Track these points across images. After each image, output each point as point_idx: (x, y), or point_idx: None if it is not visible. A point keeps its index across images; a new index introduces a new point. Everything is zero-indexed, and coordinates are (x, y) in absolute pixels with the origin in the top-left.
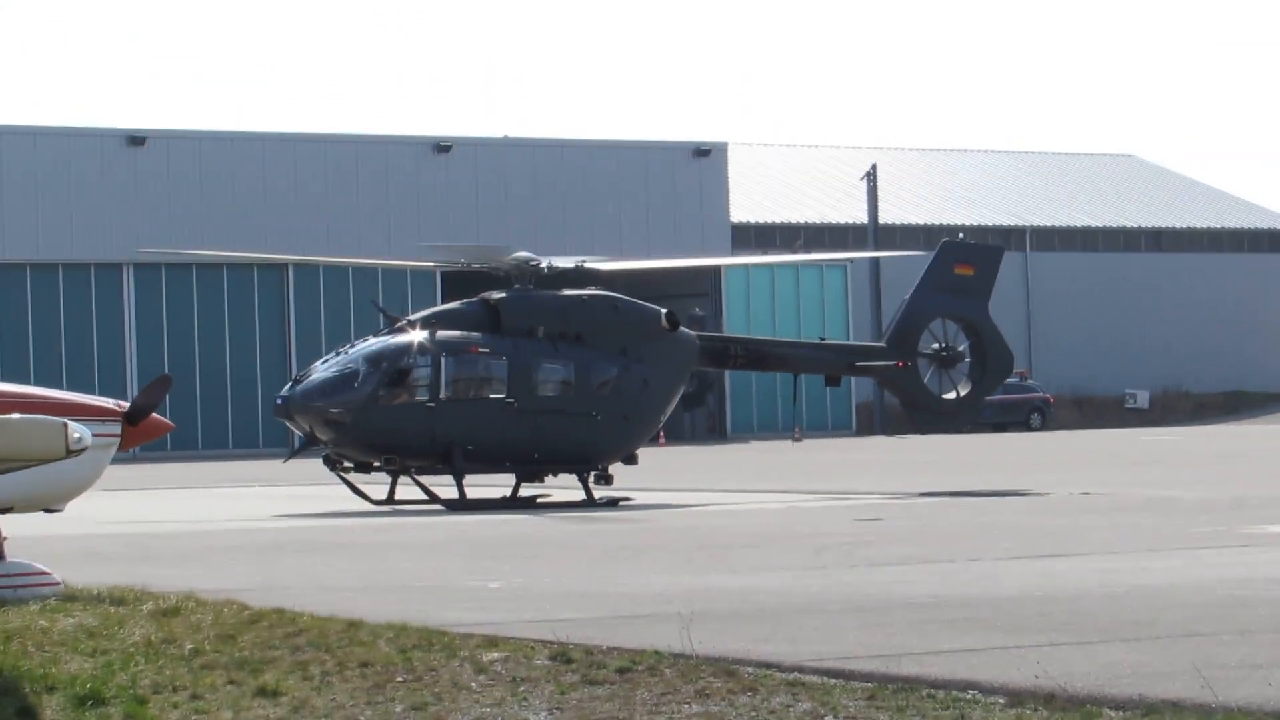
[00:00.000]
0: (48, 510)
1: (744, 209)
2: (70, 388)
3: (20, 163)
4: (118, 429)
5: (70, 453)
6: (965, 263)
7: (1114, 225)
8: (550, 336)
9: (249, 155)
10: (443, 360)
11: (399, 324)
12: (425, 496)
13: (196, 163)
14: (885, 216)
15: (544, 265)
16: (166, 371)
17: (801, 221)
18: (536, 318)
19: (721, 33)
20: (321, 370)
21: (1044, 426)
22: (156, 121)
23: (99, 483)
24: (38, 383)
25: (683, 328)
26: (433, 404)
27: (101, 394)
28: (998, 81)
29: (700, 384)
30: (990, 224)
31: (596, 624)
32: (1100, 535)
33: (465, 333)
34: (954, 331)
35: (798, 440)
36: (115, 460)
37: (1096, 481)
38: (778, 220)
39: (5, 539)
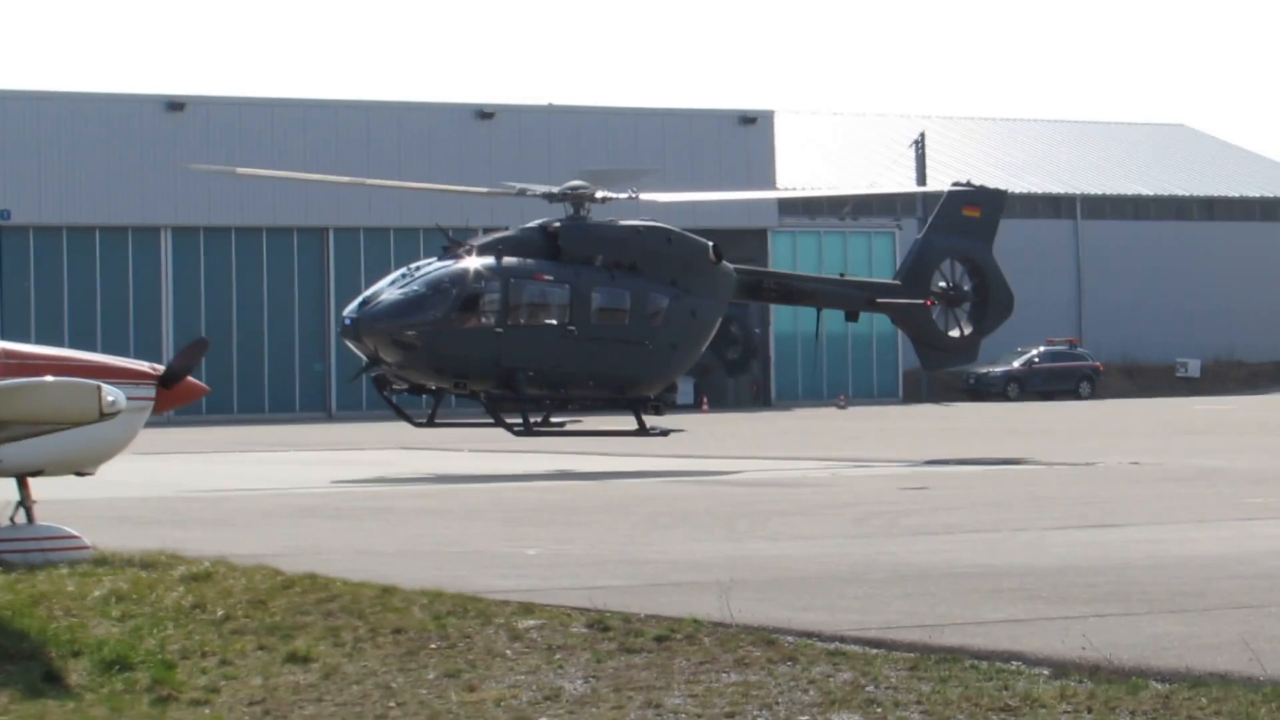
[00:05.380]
0: (80, 473)
1: (791, 178)
2: (106, 351)
3: (60, 128)
4: (152, 392)
5: (104, 416)
6: (972, 205)
7: (1165, 194)
8: (607, 265)
9: (289, 121)
10: (510, 286)
11: (463, 248)
12: (473, 421)
13: (236, 129)
14: (934, 185)
15: (598, 194)
16: (203, 335)
17: (849, 194)
18: (595, 246)
19: None
20: (391, 291)
21: (1093, 395)
22: (195, 87)
23: (132, 446)
24: (73, 346)
25: (724, 261)
26: (500, 329)
27: (137, 357)
28: (1047, 50)
29: (744, 350)
30: (1040, 192)
31: (634, 591)
32: (1148, 505)
33: (528, 259)
34: (960, 273)
35: (842, 407)
36: (149, 424)
37: (1145, 451)
38: (824, 189)
39: (36, 502)
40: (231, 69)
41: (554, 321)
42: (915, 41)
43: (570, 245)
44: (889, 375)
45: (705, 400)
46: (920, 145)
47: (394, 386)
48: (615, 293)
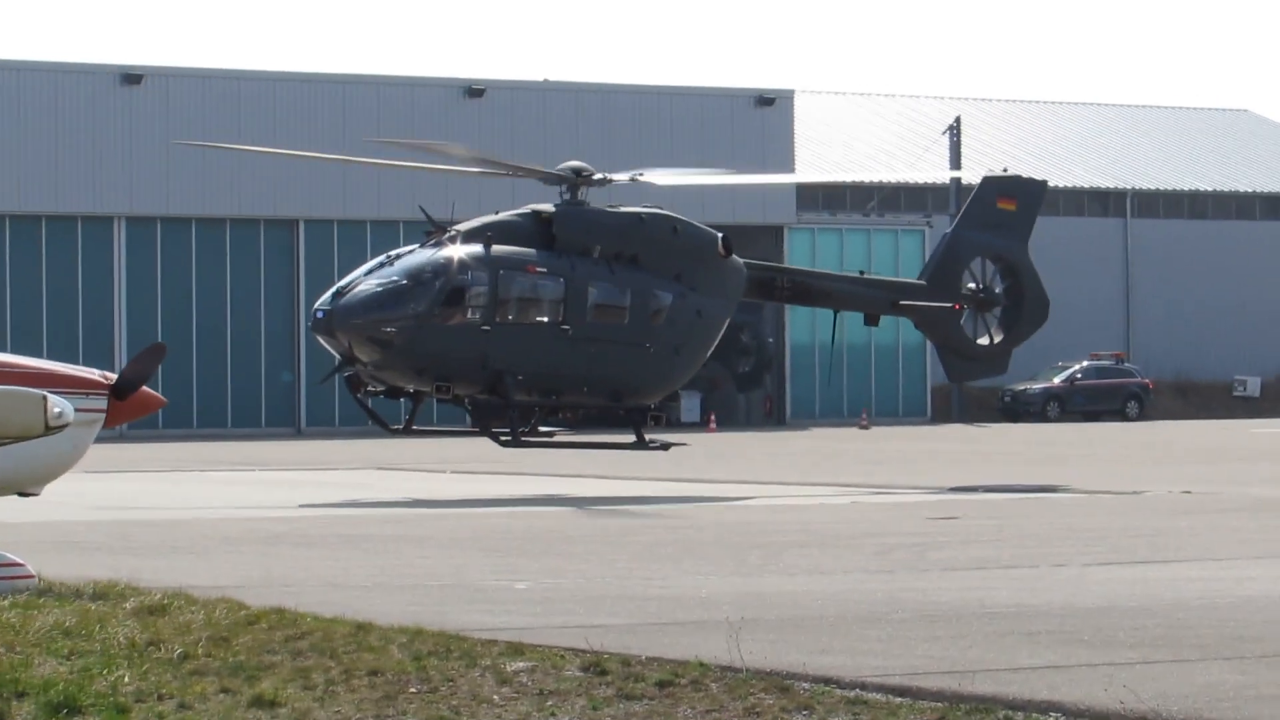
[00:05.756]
0: (23, 494)
1: (811, 165)
2: (52, 356)
3: (0, 102)
4: (104, 403)
5: (50, 429)
6: (1008, 197)
7: (1225, 189)
8: (606, 257)
9: (257, 97)
10: (500, 278)
11: (448, 234)
12: (455, 429)
13: (199, 104)
14: (970, 176)
15: (597, 176)
16: (160, 339)
17: (875, 180)
18: (593, 235)
19: None
20: (368, 281)
21: (1142, 416)
22: (154, 58)
23: (81, 464)
24: (15, 349)
25: (734, 255)
26: (487, 326)
27: (86, 363)
28: (1095, 25)
29: (757, 362)
30: (1086, 185)
31: (634, 631)
32: (1201, 540)
33: (519, 249)
34: (991, 273)
35: (864, 427)
36: (100, 438)
37: (1199, 479)
38: (849, 178)
39: None
40: (194, 38)
41: (546, 319)
42: (949, 15)
43: (565, 233)
44: (916, 391)
45: (713, 418)
46: (955, 131)
47: (369, 388)
48: (614, 288)
